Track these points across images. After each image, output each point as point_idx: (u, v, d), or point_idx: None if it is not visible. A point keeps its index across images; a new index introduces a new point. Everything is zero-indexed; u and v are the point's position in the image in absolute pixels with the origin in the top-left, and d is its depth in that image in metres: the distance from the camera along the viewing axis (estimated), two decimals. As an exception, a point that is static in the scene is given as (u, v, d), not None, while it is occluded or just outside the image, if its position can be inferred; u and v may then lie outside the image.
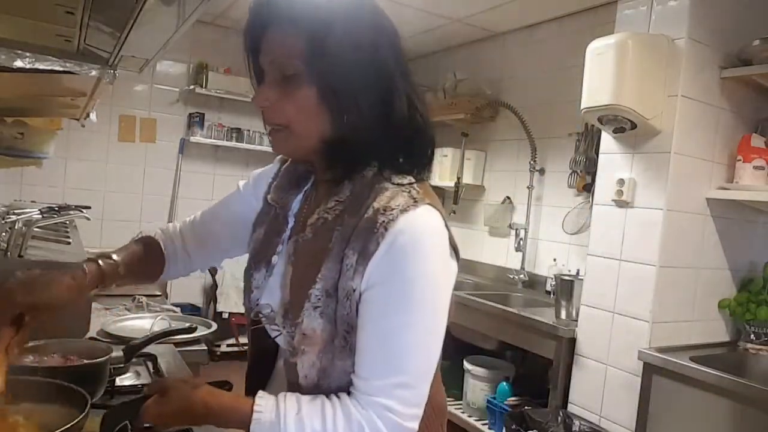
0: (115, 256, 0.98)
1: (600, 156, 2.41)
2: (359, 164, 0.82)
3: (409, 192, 0.80)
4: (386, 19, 0.83)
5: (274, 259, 0.90)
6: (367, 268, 0.76)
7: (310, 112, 0.80)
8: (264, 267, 0.92)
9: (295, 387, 0.84)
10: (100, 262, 0.95)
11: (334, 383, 0.82)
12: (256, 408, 0.75)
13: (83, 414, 0.81)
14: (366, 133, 0.80)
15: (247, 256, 0.99)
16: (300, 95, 0.79)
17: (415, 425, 0.77)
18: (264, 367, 0.94)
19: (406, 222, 0.76)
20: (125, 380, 1.26)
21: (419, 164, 0.85)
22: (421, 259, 0.76)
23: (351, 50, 0.77)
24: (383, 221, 0.76)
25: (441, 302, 0.80)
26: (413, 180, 0.83)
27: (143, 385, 1.25)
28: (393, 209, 0.77)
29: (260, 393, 0.78)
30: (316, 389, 0.82)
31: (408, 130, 0.82)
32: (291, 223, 0.92)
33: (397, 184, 0.81)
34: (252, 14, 0.83)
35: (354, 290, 0.77)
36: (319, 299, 0.79)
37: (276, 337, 0.89)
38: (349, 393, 0.78)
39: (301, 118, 0.80)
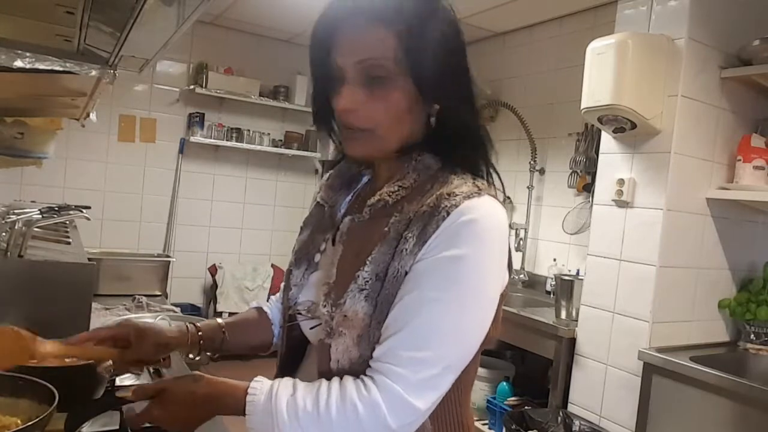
0: (220, 320, 1.02)
1: (600, 156, 2.41)
2: (466, 156, 0.84)
3: (474, 182, 0.81)
4: (456, 16, 0.84)
5: (317, 257, 0.91)
6: (423, 248, 0.75)
7: (400, 114, 0.79)
8: (305, 264, 0.92)
9: (325, 371, 0.80)
10: (201, 325, 0.99)
11: None
12: (250, 391, 0.74)
13: (51, 408, 0.81)
14: (458, 130, 0.82)
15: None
16: (391, 97, 0.78)
17: (423, 406, 0.72)
18: (295, 365, 0.93)
19: (469, 206, 0.75)
20: (125, 380, 1.26)
21: (483, 161, 0.87)
22: (476, 241, 0.74)
23: (442, 50, 0.78)
24: (446, 205, 0.75)
25: (487, 291, 0.76)
26: (476, 176, 0.84)
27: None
28: (457, 195, 0.76)
29: (257, 377, 0.77)
30: (350, 374, 0.78)
31: (481, 128, 0.85)
32: (338, 223, 0.90)
33: (461, 177, 0.82)
34: (330, 11, 0.81)
35: (406, 273, 0.75)
36: (367, 282, 0.77)
37: (313, 327, 0.87)
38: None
39: (390, 120, 0.79)
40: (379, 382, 0.72)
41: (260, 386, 0.75)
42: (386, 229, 0.79)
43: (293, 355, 0.94)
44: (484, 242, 0.75)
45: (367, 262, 0.78)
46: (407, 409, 0.71)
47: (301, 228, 0.99)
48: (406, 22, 0.76)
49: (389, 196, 0.81)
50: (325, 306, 0.81)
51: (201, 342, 0.98)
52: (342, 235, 0.85)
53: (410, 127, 0.81)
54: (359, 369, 0.78)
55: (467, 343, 0.76)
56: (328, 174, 1.00)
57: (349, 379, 0.75)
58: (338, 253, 0.84)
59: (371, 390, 0.71)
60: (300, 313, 0.90)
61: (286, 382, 0.76)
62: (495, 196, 0.81)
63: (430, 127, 0.83)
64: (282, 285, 0.99)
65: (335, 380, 0.75)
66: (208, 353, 1.03)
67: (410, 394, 0.71)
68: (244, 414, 0.74)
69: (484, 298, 0.76)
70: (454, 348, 0.74)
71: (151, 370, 1.36)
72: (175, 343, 0.96)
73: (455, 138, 0.83)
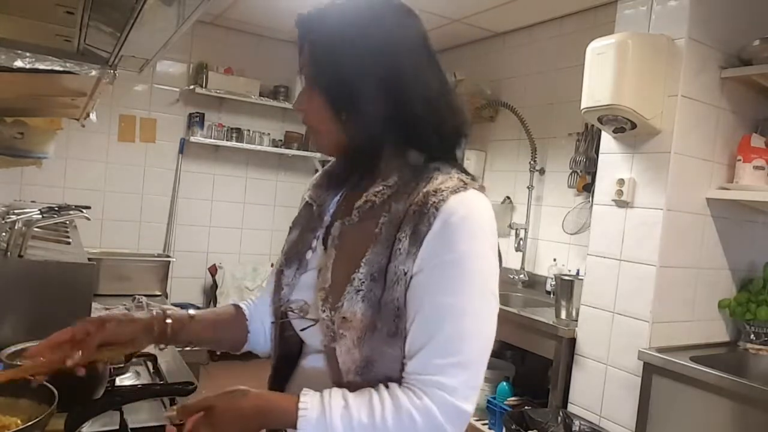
0: (191, 311, 0.99)
1: (600, 156, 2.41)
2: (377, 163, 0.85)
3: (458, 176, 0.83)
4: (401, 18, 0.86)
5: (308, 254, 0.92)
6: (420, 250, 0.77)
7: (321, 113, 0.85)
8: (296, 264, 0.93)
9: (337, 377, 0.81)
10: (170, 312, 0.96)
11: (382, 372, 0.79)
12: (300, 405, 0.74)
13: (51, 408, 0.81)
14: (376, 132, 0.83)
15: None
16: (313, 99, 0.85)
17: (471, 408, 0.75)
18: (290, 366, 0.94)
19: (457, 202, 0.78)
20: (125, 380, 1.26)
21: (445, 156, 0.87)
22: (472, 239, 0.77)
23: (340, 55, 0.81)
24: (434, 201, 0.78)
25: (490, 283, 0.79)
26: (459, 171, 0.86)
27: (144, 385, 1.25)
28: (443, 191, 0.79)
29: (304, 390, 0.76)
30: (360, 379, 0.79)
31: (426, 125, 0.85)
32: (327, 222, 0.93)
33: (446, 173, 0.84)
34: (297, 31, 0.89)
35: (405, 273, 0.77)
36: (363, 283, 0.79)
37: (305, 328, 0.88)
38: (400, 381, 0.77)
39: (318, 118, 0.86)
40: (428, 393, 0.74)
41: (310, 399, 0.75)
42: (377, 230, 0.81)
43: (288, 357, 0.94)
44: (479, 238, 0.78)
45: (362, 264, 0.80)
46: (459, 414, 0.74)
47: (291, 228, 1.00)
48: (311, 30, 0.84)
49: (375, 196, 0.83)
50: (324, 311, 0.82)
51: (169, 330, 0.92)
52: (334, 239, 0.87)
53: (338, 128, 0.84)
54: (364, 371, 0.79)
55: (487, 336, 0.79)
56: (316, 173, 1.02)
57: (396, 388, 0.76)
58: (332, 258, 0.85)
59: (422, 398, 0.73)
60: (292, 311, 0.90)
61: (336, 392, 0.76)
62: (479, 189, 0.83)
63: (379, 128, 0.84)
64: (271, 285, 0.98)
65: (382, 389, 0.76)
66: (191, 347, 1.00)
67: (457, 399, 0.74)
68: (294, 427, 0.73)
69: (490, 290, 0.79)
70: (478, 345, 0.77)
71: (151, 368, 1.36)
72: (141, 322, 0.91)
73: (367, 141, 0.84)
